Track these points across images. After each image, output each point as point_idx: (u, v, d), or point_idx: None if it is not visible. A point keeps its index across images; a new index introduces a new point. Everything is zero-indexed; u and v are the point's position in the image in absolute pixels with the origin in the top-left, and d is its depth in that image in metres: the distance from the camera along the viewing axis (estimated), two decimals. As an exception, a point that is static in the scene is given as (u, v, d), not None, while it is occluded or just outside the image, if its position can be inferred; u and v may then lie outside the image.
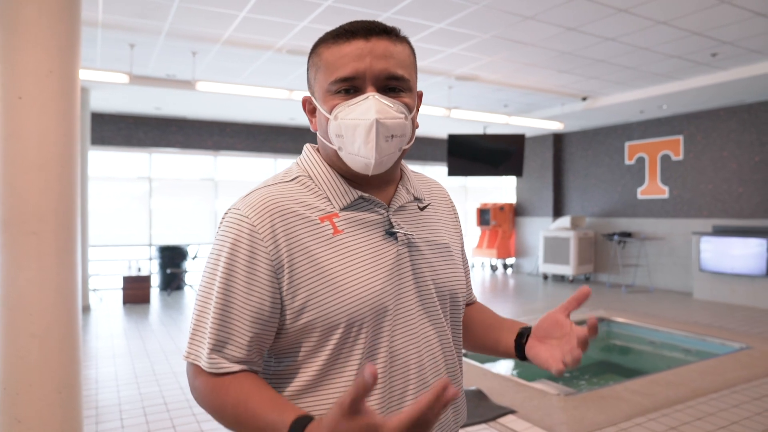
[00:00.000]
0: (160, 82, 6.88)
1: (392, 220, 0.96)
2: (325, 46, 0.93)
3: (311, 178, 0.97)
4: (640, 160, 10.02)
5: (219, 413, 0.85)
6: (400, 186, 1.02)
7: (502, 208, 12.18)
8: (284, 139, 10.61)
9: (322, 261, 0.88)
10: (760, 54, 6.30)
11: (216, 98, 7.83)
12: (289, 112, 9.24)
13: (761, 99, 8.15)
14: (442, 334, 0.97)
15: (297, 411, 0.78)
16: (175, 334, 6.15)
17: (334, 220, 0.92)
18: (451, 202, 1.17)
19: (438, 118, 9.36)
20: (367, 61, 0.89)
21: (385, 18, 5.07)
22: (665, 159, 9.61)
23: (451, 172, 10.19)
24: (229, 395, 0.84)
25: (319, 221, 0.91)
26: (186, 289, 9.40)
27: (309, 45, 5.98)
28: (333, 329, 0.87)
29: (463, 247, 1.16)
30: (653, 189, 9.80)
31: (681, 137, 9.36)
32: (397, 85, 0.91)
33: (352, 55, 0.90)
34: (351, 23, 0.92)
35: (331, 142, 0.94)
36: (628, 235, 9.94)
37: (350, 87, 0.90)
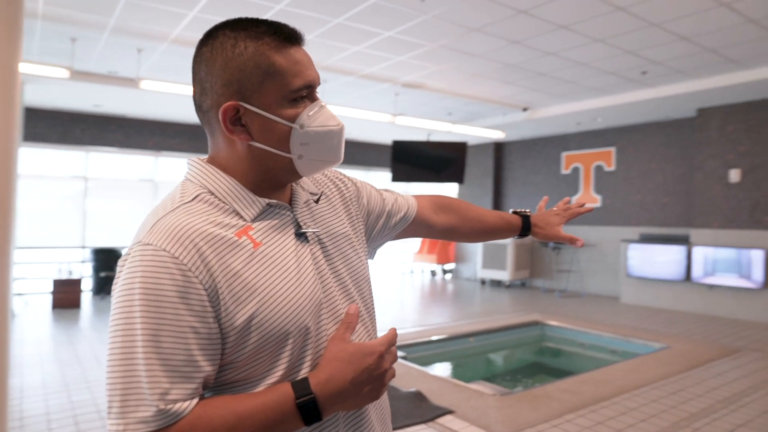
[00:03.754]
0: (102, 78, 6.65)
1: (299, 222, 0.96)
2: (270, 50, 0.87)
3: (213, 194, 0.89)
4: (576, 170, 10.48)
5: None
6: (294, 185, 1.00)
7: (444, 213, 12.41)
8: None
9: (253, 280, 0.83)
10: (683, 74, 6.75)
11: (159, 97, 7.64)
12: (233, 113, 9.12)
13: (685, 116, 8.71)
14: (361, 317, 1.01)
15: (286, 383, 0.83)
16: (110, 338, 5.95)
17: (250, 232, 0.87)
18: (335, 180, 1.13)
19: (383, 125, 9.49)
20: (313, 69, 0.91)
21: (335, 24, 5.13)
22: (599, 169, 10.10)
23: (395, 178, 10.31)
24: (212, 422, 0.77)
25: (236, 237, 0.85)
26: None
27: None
28: (282, 345, 0.84)
29: (368, 199, 1.16)
30: (587, 198, 10.26)
31: (613, 149, 9.87)
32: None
33: (304, 62, 0.90)
34: (278, 27, 0.89)
35: (289, 152, 0.90)
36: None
37: (307, 94, 0.90)
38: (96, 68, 6.70)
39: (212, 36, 0.89)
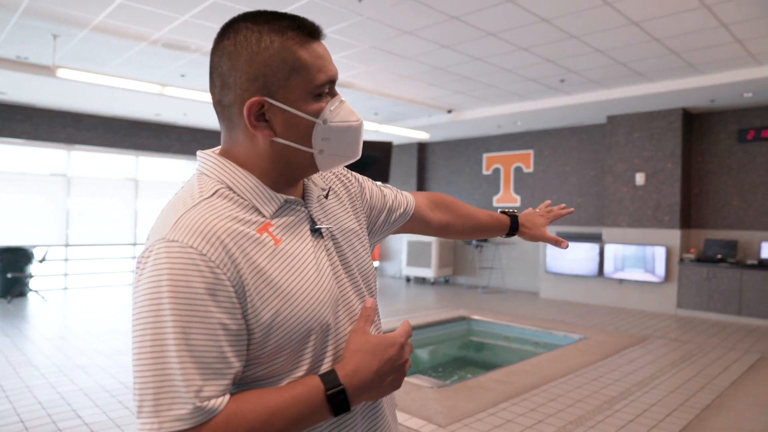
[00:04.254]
0: (11, 64, 6.19)
1: (314, 218, 0.97)
2: (295, 44, 0.87)
3: (231, 190, 0.88)
4: (496, 171, 10.93)
5: None
6: (306, 181, 1.00)
7: (369, 212, 12.55)
8: (147, 135, 10.03)
9: (275, 278, 0.84)
10: (597, 84, 7.24)
11: (73, 87, 7.20)
12: (155, 108, 8.77)
13: (597, 122, 9.32)
14: None
15: (314, 376, 0.85)
16: (23, 344, 5.57)
17: (270, 229, 0.88)
18: (340, 176, 1.14)
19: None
20: (332, 62, 0.92)
21: (269, 20, 5.08)
22: (518, 170, 10.59)
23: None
24: (246, 417, 0.77)
25: (258, 234, 0.85)
26: (31, 295, 8.48)
27: (189, 40, 5.82)
28: (305, 341, 0.86)
29: (370, 195, 1.19)
30: (507, 198, 10.73)
31: (532, 151, 10.38)
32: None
33: (326, 57, 0.91)
34: (299, 21, 0.89)
35: (311, 146, 0.90)
36: (484, 240, 10.77)
37: (329, 90, 0.91)
38: (3, 53, 6.22)
39: (234, 29, 0.88)
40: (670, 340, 6.23)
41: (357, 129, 0.94)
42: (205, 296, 0.76)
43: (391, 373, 0.89)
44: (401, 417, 3.74)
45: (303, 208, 0.96)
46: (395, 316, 7.44)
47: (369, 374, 0.86)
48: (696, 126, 8.33)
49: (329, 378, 0.84)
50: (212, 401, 0.75)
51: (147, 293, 0.76)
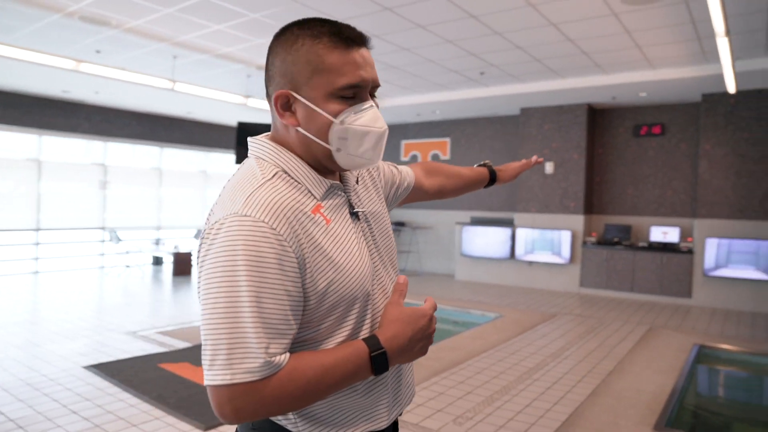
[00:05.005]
0: None
1: (352, 202, 1.08)
2: (325, 49, 0.96)
3: (287, 173, 0.99)
4: (414, 158, 11.26)
5: (308, 394, 0.90)
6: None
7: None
8: (53, 114, 9.36)
9: (330, 252, 0.96)
10: (514, 78, 7.68)
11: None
12: (63, 84, 8.23)
13: (510, 113, 9.86)
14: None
15: (358, 340, 0.97)
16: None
17: (321, 210, 0.99)
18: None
19: (228, 106, 9.30)
20: (368, 70, 0.99)
21: (200, 1, 4.98)
22: (435, 158, 10.98)
23: (239, 161, 10.12)
24: (305, 373, 0.89)
25: (312, 214, 0.96)
26: None
27: (109, 14, 5.56)
28: (349, 308, 0.99)
29: (384, 173, 1.32)
30: (424, 184, 11.09)
31: (448, 139, 10.80)
32: (375, 92, 1.05)
33: (357, 64, 0.98)
34: (339, 29, 0.98)
35: (328, 143, 0.99)
36: (402, 224, 11.11)
37: (354, 93, 0.99)
38: None
39: (283, 33, 1.01)
40: (576, 316, 6.83)
41: (378, 135, 1.02)
42: (274, 265, 0.88)
43: (421, 340, 1.03)
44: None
45: (343, 193, 1.07)
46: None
47: (404, 340, 0.99)
48: (598, 120, 9.06)
49: (372, 342, 0.97)
50: (277, 357, 0.87)
51: (222, 260, 0.87)
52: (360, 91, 1.00)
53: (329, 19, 1.01)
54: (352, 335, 1.01)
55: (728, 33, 4.72)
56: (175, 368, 4.29)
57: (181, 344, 5.06)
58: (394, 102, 9.35)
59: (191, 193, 11.96)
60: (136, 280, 8.93)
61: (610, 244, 8.51)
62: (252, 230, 0.88)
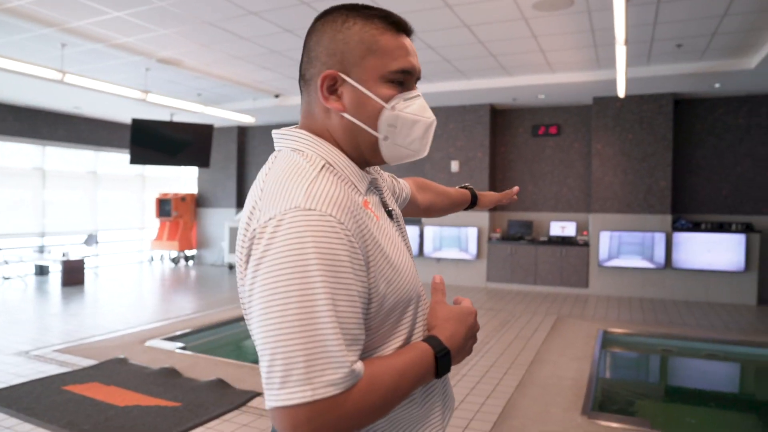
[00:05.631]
0: None
1: (385, 200, 1.04)
2: (377, 30, 0.91)
3: (332, 166, 0.91)
4: (319, 157, 11.11)
5: (387, 403, 0.82)
6: (368, 169, 1.03)
7: (183, 198, 11.85)
8: None
9: (387, 250, 0.88)
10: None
11: None
12: None
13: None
14: None
15: (420, 342, 0.91)
16: None
17: (369, 205, 0.92)
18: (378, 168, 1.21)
19: (123, 101, 8.64)
20: (416, 59, 0.96)
21: (99, -17, 4.54)
22: (340, 157, 10.90)
23: (134, 160, 9.42)
24: (383, 380, 0.81)
25: (365, 208, 0.89)
26: None
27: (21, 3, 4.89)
28: (404, 311, 0.92)
29: (386, 180, 1.27)
30: (330, 183, 11.00)
31: (353, 139, 10.76)
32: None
33: (407, 50, 0.94)
34: (389, 14, 0.94)
35: (376, 130, 0.92)
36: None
37: (403, 80, 0.93)
38: None
39: (328, 13, 0.94)
40: (487, 310, 7.06)
41: (427, 126, 0.96)
42: (347, 264, 0.78)
43: (472, 338, 0.99)
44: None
45: (377, 190, 1.02)
46: (218, 306, 7.18)
47: (460, 339, 0.95)
48: (500, 120, 9.45)
49: (434, 343, 0.91)
50: (357, 365, 0.77)
51: (289, 260, 0.75)
52: (409, 78, 0.95)
53: (373, 6, 0.95)
54: (408, 339, 0.94)
55: (627, 42, 5.08)
56: (84, 389, 3.87)
57: (86, 362, 4.57)
58: (298, 100, 9.08)
59: (80, 196, 10.96)
60: (17, 293, 8.00)
61: (513, 239, 8.91)
62: (321, 225, 0.78)
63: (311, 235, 0.76)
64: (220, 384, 4.05)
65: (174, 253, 11.92)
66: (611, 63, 6.69)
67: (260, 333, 0.76)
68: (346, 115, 0.92)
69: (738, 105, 8.06)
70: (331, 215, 0.79)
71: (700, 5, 4.95)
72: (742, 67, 6.67)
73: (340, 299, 0.77)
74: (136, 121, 9.29)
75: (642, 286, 8.07)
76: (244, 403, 3.75)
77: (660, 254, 7.91)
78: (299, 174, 0.85)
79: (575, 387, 4.11)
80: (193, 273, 10.63)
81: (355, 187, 0.92)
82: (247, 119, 10.02)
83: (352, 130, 0.93)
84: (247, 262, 0.82)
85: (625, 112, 8.20)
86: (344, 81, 0.91)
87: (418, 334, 0.96)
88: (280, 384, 0.73)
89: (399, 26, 0.94)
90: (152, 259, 12.34)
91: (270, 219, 0.79)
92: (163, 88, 8.47)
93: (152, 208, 12.12)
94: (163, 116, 10.01)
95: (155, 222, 11.99)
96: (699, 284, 7.81)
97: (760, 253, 7.74)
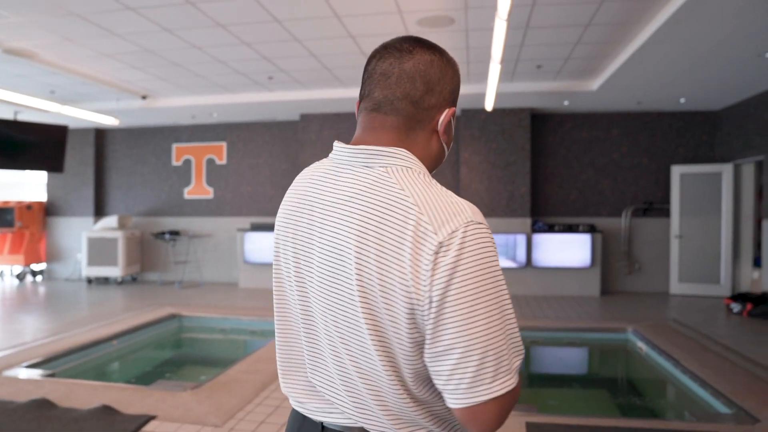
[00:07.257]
0: None
1: None
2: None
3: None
4: (187, 162, 10.60)
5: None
6: None
7: (29, 207, 10.63)
8: None
9: None
10: (299, 84, 7.80)
11: None
12: None
13: (290, 119, 9.96)
14: None
15: None
16: None
17: None
18: None
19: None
20: None
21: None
22: (210, 162, 10.49)
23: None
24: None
25: None
26: None
27: None
28: None
29: None
30: (200, 189, 10.53)
31: (225, 143, 10.42)
32: None
33: None
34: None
35: (436, 163, 1.11)
36: (177, 233, 10.36)
37: None
38: None
39: (439, 50, 1.05)
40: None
41: None
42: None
43: None
44: (169, 428, 3.53)
45: None
46: (87, 324, 6.59)
47: None
48: (373, 129, 9.69)
49: None
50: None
51: (483, 269, 0.88)
52: None
53: None
54: None
55: (503, 61, 5.54)
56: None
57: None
58: (169, 102, 8.69)
59: None
60: None
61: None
62: (491, 238, 0.92)
63: (491, 246, 0.90)
64: (107, 411, 3.74)
65: (18, 269, 10.64)
66: (481, 78, 7.21)
67: (465, 333, 0.85)
68: (445, 146, 1.09)
69: (582, 121, 9.10)
70: (489, 229, 0.92)
71: (560, 32, 5.55)
72: (586, 89, 7.56)
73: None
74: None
75: (508, 285, 8.75)
76: (137, 429, 3.50)
77: (522, 254, 8.66)
78: (442, 190, 0.96)
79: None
80: (42, 290, 9.57)
81: None
82: (109, 121, 9.27)
83: (441, 156, 1.10)
84: (416, 266, 0.88)
85: (490, 123, 8.87)
86: (451, 118, 1.06)
87: None
88: (492, 377, 0.86)
89: None
90: (-10, 275, 10.90)
91: (453, 232, 0.88)
92: (8, 82, 7.56)
93: (-12, 217, 10.69)
94: (5, 114, 8.90)
95: (-7, 234, 10.60)
96: (555, 280, 8.68)
97: (602, 251, 8.80)
